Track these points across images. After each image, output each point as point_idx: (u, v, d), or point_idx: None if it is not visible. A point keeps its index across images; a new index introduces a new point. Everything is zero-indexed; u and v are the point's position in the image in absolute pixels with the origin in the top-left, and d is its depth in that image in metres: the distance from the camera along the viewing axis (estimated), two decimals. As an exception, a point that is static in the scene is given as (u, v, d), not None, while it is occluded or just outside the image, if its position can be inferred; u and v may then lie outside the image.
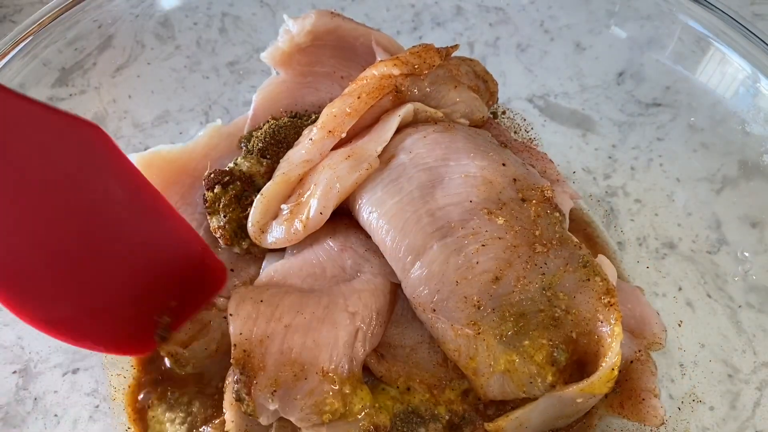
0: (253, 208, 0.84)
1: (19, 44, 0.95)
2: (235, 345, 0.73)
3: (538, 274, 0.77)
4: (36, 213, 0.64)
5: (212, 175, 0.89)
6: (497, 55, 1.20)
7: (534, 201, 0.80)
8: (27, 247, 0.65)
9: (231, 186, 0.88)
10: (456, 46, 0.94)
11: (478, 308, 0.75)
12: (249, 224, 0.85)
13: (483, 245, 0.76)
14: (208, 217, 0.90)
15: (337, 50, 0.98)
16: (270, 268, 0.84)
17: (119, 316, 0.76)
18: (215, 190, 0.88)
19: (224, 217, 0.87)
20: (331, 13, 0.96)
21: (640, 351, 0.84)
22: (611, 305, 0.76)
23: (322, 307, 0.76)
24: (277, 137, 0.93)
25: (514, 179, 0.82)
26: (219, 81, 1.16)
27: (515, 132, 1.12)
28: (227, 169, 0.90)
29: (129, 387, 0.89)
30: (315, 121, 0.90)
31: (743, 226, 0.99)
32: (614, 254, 1.02)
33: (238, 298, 0.77)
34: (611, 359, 0.73)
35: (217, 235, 0.88)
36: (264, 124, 0.95)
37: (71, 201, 0.66)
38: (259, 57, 0.97)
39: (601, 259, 0.82)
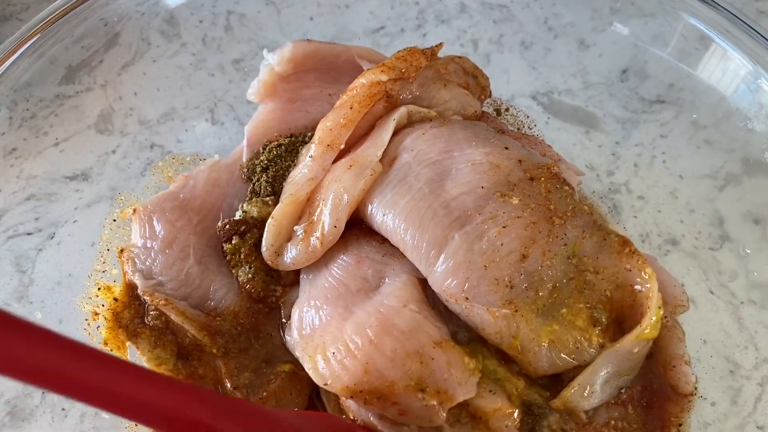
0: (265, 232, 0.85)
1: (26, 42, 0.96)
2: (353, 397, 0.74)
3: (560, 245, 0.78)
4: None
5: (227, 226, 0.89)
6: (501, 52, 1.20)
7: (542, 178, 0.82)
8: None
9: (248, 234, 0.88)
10: (440, 45, 0.95)
11: (511, 287, 0.76)
12: (263, 248, 0.85)
13: (504, 227, 0.77)
14: (233, 271, 0.90)
15: (321, 72, 0.99)
16: (297, 312, 0.84)
17: None
18: (233, 241, 0.88)
19: (250, 268, 0.88)
20: (307, 40, 0.98)
21: (666, 317, 0.85)
22: (633, 253, 0.78)
23: (377, 312, 0.77)
24: (279, 161, 0.93)
25: (520, 160, 0.83)
26: (224, 78, 1.17)
27: (518, 129, 1.13)
28: (240, 218, 0.90)
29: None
30: (311, 137, 0.91)
31: (746, 223, 0.99)
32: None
33: (311, 362, 0.77)
34: (654, 298, 0.75)
35: (248, 288, 0.88)
36: (263, 150, 0.95)
37: None
38: (264, 55, 0.97)
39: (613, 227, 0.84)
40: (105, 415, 0.88)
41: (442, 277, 0.77)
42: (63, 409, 0.88)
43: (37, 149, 1.03)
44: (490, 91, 1.01)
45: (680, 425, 0.85)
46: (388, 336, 0.74)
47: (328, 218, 0.82)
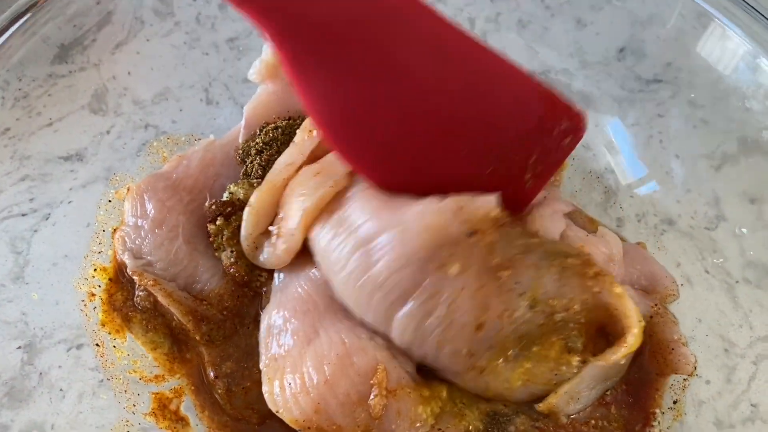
0: (243, 221, 0.84)
1: (17, 20, 0.95)
2: (300, 429, 0.74)
3: (516, 297, 0.72)
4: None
5: (213, 207, 0.88)
6: (498, 31, 1.19)
7: (484, 231, 0.73)
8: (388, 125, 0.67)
9: (234, 217, 0.87)
10: None
11: (471, 356, 0.73)
12: (242, 238, 0.85)
13: (450, 304, 0.71)
14: (216, 254, 0.89)
15: None
16: (266, 320, 0.82)
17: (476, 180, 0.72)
18: (217, 223, 0.88)
19: (232, 252, 0.87)
20: None
21: (656, 305, 0.86)
22: (597, 274, 0.75)
23: (340, 343, 0.75)
24: (275, 145, 0.93)
25: (460, 207, 0.73)
26: (219, 57, 1.16)
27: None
28: (227, 199, 0.89)
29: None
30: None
31: (742, 203, 0.99)
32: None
33: (269, 386, 0.76)
34: (633, 316, 0.74)
35: (232, 272, 0.88)
36: (260, 132, 0.95)
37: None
38: (260, 34, 0.96)
39: (602, 230, 0.83)
40: (102, 396, 0.89)
41: (401, 344, 0.75)
42: (61, 390, 0.88)
43: (30, 129, 1.02)
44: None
45: (675, 402, 0.86)
46: (344, 377, 0.73)
47: (288, 224, 0.80)
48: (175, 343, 0.92)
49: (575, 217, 0.91)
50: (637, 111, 1.10)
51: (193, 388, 0.90)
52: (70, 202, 1.00)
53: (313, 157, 0.85)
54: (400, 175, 0.71)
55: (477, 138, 0.68)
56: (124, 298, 0.93)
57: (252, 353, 0.88)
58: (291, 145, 0.86)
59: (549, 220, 0.83)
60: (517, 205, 0.76)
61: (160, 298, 0.88)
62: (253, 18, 0.57)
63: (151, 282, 0.88)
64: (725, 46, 0.97)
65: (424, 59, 0.64)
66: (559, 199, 0.88)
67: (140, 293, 0.91)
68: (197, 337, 0.89)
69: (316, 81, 0.62)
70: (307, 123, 0.86)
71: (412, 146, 0.67)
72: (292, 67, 0.60)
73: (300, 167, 0.84)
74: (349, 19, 0.60)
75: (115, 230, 0.94)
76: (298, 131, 0.87)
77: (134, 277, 0.90)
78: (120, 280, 0.94)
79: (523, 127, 0.69)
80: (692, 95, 1.05)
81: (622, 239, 0.96)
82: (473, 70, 0.66)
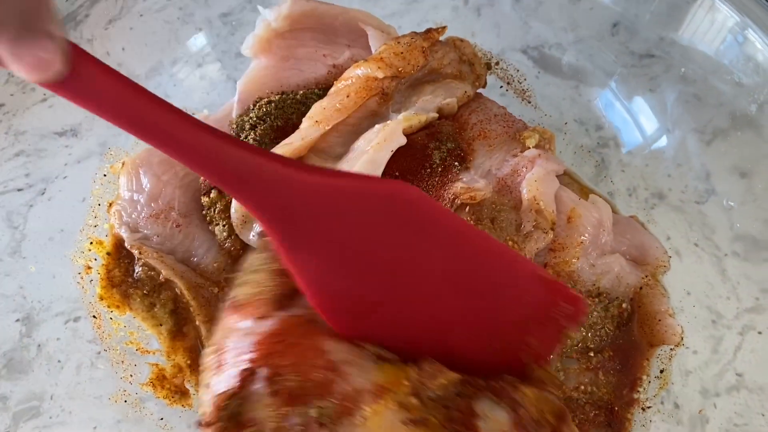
0: None
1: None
2: None
3: None
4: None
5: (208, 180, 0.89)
6: (492, 5, 1.19)
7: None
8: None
9: None
10: (442, 30, 0.94)
11: None
12: (232, 210, 0.85)
13: None
14: (210, 227, 0.90)
15: (317, 32, 0.98)
16: None
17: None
18: (211, 195, 0.88)
19: (224, 226, 0.88)
20: None
21: (646, 276, 0.87)
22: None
23: None
24: (268, 119, 0.93)
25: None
26: (212, 32, 1.15)
27: (508, 83, 1.12)
28: None
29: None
30: (303, 95, 0.93)
31: (732, 177, 1.00)
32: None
33: None
34: None
35: (227, 246, 0.89)
36: (253, 106, 0.95)
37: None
38: (253, 8, 0.97)
39: (593, 197, 0.84)
40: (100, 366, 0.90)
41: None
42: (59, 362, 0.89)
43: (24, 105, 1.02)
44: (486, 81, 1.01)
45: (662, 371, 0.88)
46: None
47: None
48: (175, 319, 0.93)
49: (566, 184, 0.92)
50: (629, 86, 1.11)
51: (189, 362, 0.91)
52: (65, 177, 1.01)
53: (315, 148, 0.87)
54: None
55: (474, 325, 0.68)
56: (122, 274, 0.94)
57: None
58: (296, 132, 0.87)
59: (543, 182, 0.85)
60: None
61: (164, 272, 0.89)
62: (247, 208, 0.59)
63: (154, 255, 0.89)
64: (714, 19, 0.98)
65: (430, 254, 0.64)
66: (551, 159, 0.89)
67: (139, 268, 0.92)
68: (199, 317, 0.90)
69: (308, 265, 0.62)
70: (314, 114, 0.86)
71: (406, 330, 0.66)
72: (283, 250, 0.60)
73: (300, 153, 0.86)
74: (336, 212, 0.60)
75: (110, 204, 0.95)
76: (304, 118, 0.87)
77: (134, 251, 0.91)
78: (119, 255, 0.95)
79: (521, 314, 0.69)
80: (683, 70, 1.05)
81: (614, 212, 0.97)
82: (477, 262, 0.66)
